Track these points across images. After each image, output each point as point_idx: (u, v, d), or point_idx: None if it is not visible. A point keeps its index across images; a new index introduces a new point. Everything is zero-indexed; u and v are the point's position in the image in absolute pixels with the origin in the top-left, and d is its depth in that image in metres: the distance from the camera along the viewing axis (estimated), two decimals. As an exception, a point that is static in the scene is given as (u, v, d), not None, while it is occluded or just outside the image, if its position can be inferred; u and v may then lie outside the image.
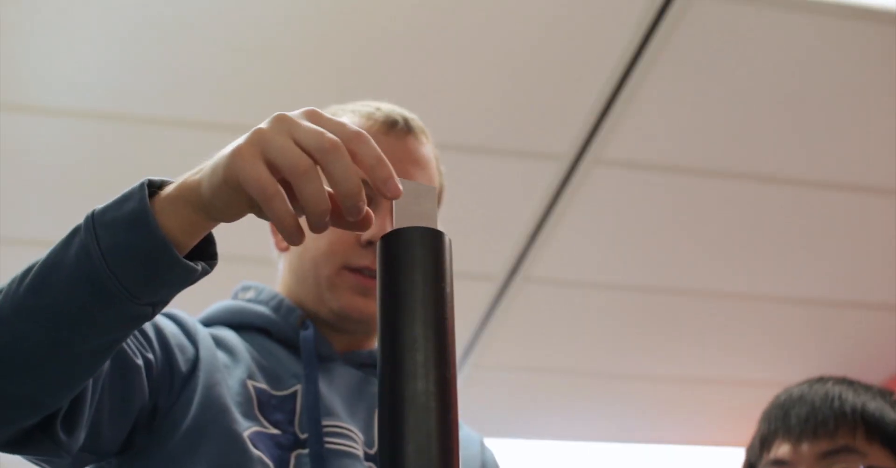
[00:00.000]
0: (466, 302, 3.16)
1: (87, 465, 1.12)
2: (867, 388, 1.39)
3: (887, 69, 2.50)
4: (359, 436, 1.22)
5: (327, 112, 1.32)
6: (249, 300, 1.33)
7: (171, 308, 1.22)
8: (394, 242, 0.61)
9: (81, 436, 0.99)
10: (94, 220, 0.85)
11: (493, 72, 2.47)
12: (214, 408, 1.14)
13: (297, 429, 1.19)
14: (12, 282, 0.88)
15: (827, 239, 3.05)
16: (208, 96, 2.48)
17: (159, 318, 1.18)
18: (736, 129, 2.66)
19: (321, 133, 0.78)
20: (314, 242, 1.27)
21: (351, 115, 1.32)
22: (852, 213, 2.96)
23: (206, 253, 0.89)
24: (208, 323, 1.32)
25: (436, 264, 0.60)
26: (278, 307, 1.30)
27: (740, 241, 3.06)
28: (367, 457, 1.21)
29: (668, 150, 2.72)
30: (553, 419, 3.88)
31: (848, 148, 2.73)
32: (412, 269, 0.60)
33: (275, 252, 1.37)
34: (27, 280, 0.87)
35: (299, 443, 1.18)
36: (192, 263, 0.85)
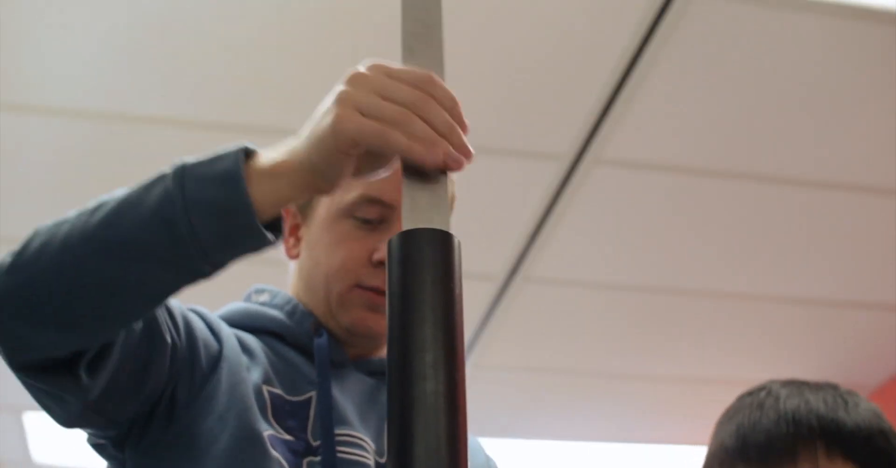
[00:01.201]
0: (466, 302, 3.13)
1: (88, 428, 1.13)
2: (818, 390, 1.36)
3: (887, 69, 2.50)
4: (370, 445, 1.23)
5: None
6: (263, 303, 1.33)
7: (194, 305, 1.24)
8: (403, 243, 0.61)
9: (100, 384, 1.01)
10: (183, 170, 0.89)
11: (494, 72, 2.47)
12: (239, 405, 1.15)
13: (309, 436, 1.20)
14: (80, 214, 0.92)
15: (827, 239, 3.05)
16: (207, 96, 2.48)
17: (188, 312, 1.20)
18: (736, 129, 2.66)
19: (406, 88, 0.84)
20: (327, 258, 1.28)
21: None
22: (852, 213, 2.96)
23: (273, 227, 0.91)
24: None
25: (445, 265, 0.60)
26: (293, 312, 1.30)
27: (740, 241, 3.06)
28: (378, 466, 1.21)
29: (668, 150, 2.72)
30: (553, 419, 3.88)
31: (848, 148, 2.73)
32: (422, 270, 0.60)
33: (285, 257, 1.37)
34: (100, 213, 0.90)
35: (311, 451, 1.18)
36: (267, 233, 0.87)
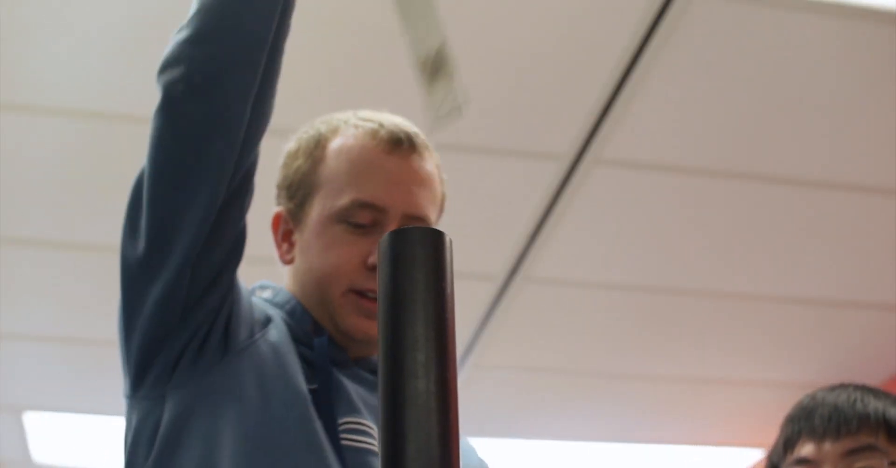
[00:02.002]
0: (466, 302, 3.16)
1: (184, 290, 1.17)
2: (887, 395, 1.41)
3: (887, 69, 2.50)
4: (374, 428, 1.25)
5: (332, 121, 1.35)
6: (266, 300, 1.35)
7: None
8: (394, 242, 0.61)
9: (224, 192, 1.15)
10: None
11: (494, 72, 2.47)
12: (284, 371, 1.20)
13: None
14: None
15: (827, 239, 3.05)
16: (208, 96, 2.48)
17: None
18: (736, 129, 2.66)
19: None
20: (320, 263, 1.29)
21: (354, 130, 1.33)
22: (852, 212, 2.96)
23: None
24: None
25: (437, 264, 0.60)
26: (293, 312, 1.32)
27: (741, 241, 3.06)
28: None
29: (668, 150, 2.72)
30: (553, 419, 3.88)
31: (848, 148, 2.73)
32: (413, 269, 0.60)
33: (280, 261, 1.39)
34: None
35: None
36: None
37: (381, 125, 1.33)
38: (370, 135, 1.32)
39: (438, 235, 0.60)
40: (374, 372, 1.33)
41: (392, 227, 1.28)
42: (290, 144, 1.39)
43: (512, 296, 3.21)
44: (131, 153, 2.63)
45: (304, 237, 1.32)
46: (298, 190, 1.33)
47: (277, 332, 1.24)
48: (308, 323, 1.30)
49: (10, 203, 2.70)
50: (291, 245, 1.35)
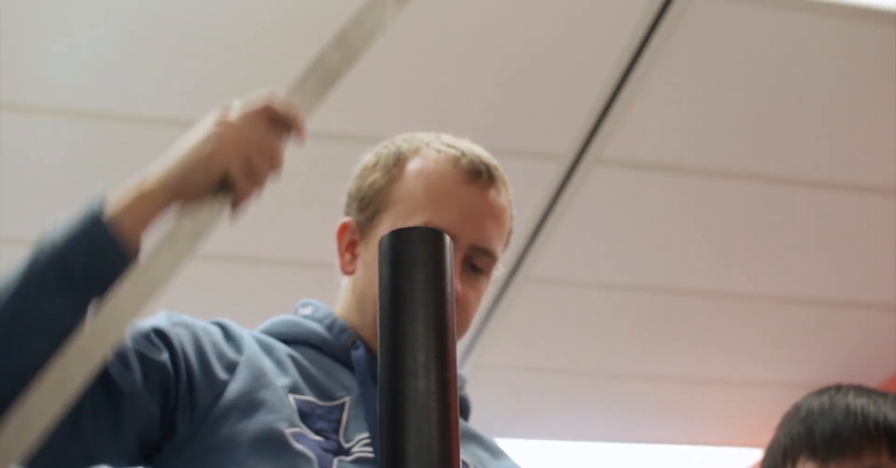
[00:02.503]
0: (466, 302, 3.16)
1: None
2: (884, 396, 1.40)
3: (887, 69, 2.50)
4: None
5: (414, 140, 1.37)
6: (306, 316, 1.36)
7: (220, 318, 1.29)
8: (395, 242, 0.61)
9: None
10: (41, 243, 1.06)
11: (493, 72, 2.47)
12: (257, 405, 1.18)
13: (341, 438, 1.21)
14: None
15: (827, 239, 3.05)
16: (207, 96, 2.48)
17: (187, 334, 1.23)
18: (736, 129, 2.66)
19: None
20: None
21: (436, 154, 1.34)
22: (852, 213, 2.96)
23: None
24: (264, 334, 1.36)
25: (437, 264, 0.61)
26: (331, 326, 1.33)
27: (741, 241, 3.06)
28: None
29: (668, 150, 2.72)
30: (553, 419, 3.88)
31: (848, 148, 2.73)
32: (413, 269, 0.60)
33: (338, 273, 1.39)
34: None
35: (342, 451, 1.20)
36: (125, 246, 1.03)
37: (464, 154, 1.34)
38: (452, 162, 1.33)
39: (438, 235, 0.60)
40: None
41: (459, 256, 1.29)
42: (369, 157, 1.39)
43: (512, 296, 3.21)
44: (131, 153, 2.64)
45: (370, 251, 1.32)
46: (371, 204, 1.33)
47: (253, 368, 1.22)
48: (347, 337, 1.31)
49: (10, 203, 2.69)
50: (354, 256, 1.35)
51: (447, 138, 1.38)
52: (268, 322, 1.37)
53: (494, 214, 1.33)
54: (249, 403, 1.18)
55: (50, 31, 2.29)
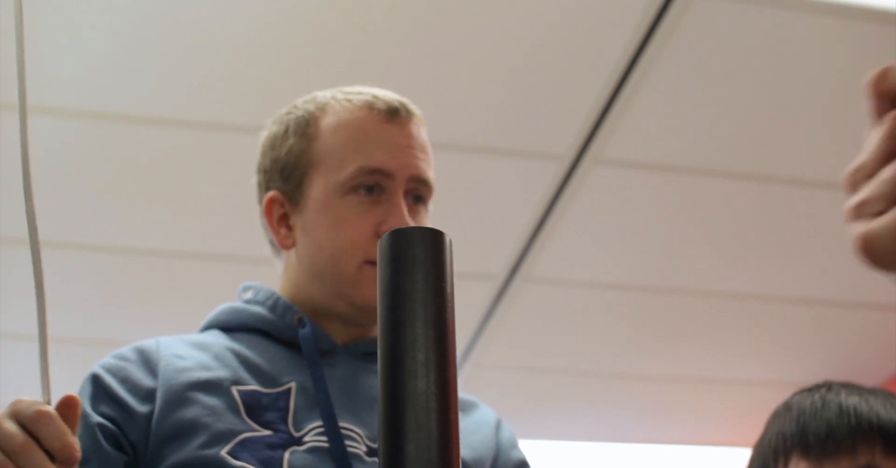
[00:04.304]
0: (466, 302, 3.16)
1: None
2: (874, 393, 1.39)
3: (887, 69, 2.49)
4: (359, 432, 1.22)
5: (318, 99, 1.32)
6: (248, 301, 1.33)
7: (136, 343, 1.26)
8: (394, 242, 0.61)
9: None
10: None
11: (493, 72, 2.47)
12: (188, 430, 1.16)
13: (290, 428, 1.19)
14: None
15: (828, 239, 3.05)
16: (208, 96, 2.48)
17: (113, 367, 1.22)
18: (736, 129, 2.66)
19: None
20: (330, 239, 1.27)
21: (348, 104, 1.32)
22: (852, 212, 2.96)
23: None
24: (207, 327, 1.34)
25: (436, 264, 0.61)
26: (274, 306, 1.30)
27: (740, 241, 3.06)
28: (372, 452, 1.21)
29: (668, 150, 2.72)
30: (553, 419, 3.88)
31: (848, 148, 2.73)
32: (413, 269, 0.60)
33: (272, 250, 1.36)
34: None
35: (294, 441, 1.18)
36: None
37: (375, 96, 1.33)
38: (367, 106, 1.32)
39: (438, 235, 0.60)
40: (367, 354, 1.30)
41: (399, 191, 1.28)
42: (273, 128, 1.37)
43: (512, 296, 3.21)
44: (132, 153, 2.64)
45: (306, 217, 1.30)
46: (295, 169, 1.31)
47: (171, 391, 1.20)
48: (292, 315, 1.29)
49: (10, 203, 2.69)
50: (290, 228, 1.32)
51: (351, 88, 1.36)
52: (212, 313, 1.35)
53: (420, 145, 1.32)
54: (179, 431, 1.16)
55: (50, 31, 2.29)
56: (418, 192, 1.31)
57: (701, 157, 2.75)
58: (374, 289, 1.23)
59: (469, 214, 2.85)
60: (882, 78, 0.59)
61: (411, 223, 1.27)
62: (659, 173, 2.78)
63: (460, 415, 1.31)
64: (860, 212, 0.56)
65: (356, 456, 1.19)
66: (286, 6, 2.30)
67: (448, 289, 0.60)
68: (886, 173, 0.54)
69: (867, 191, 0.55)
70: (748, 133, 2.67)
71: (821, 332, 3.48)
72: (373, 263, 1.25)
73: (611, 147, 2.68)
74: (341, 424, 1.20)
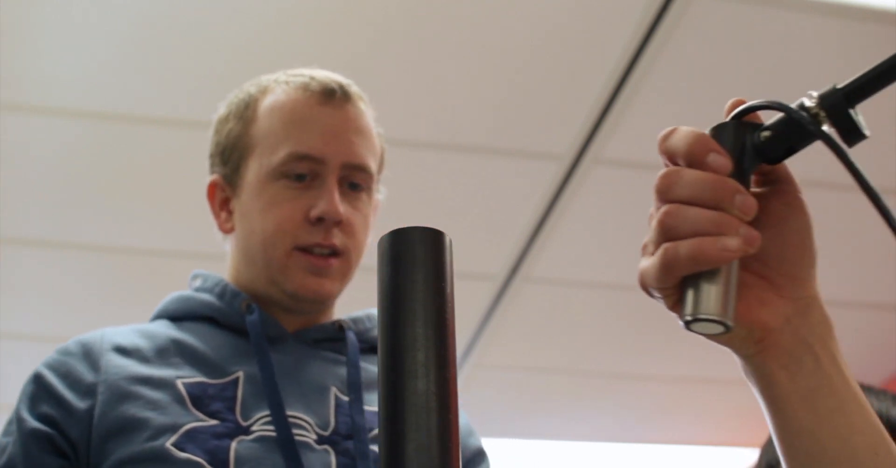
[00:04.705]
0: (466, 302, 3.16)
1: None
2: (884, 394, 1.39)
3: (887, 69, 2.50)
4: (308, 420, 1.19)
5: (261, 81, 1.31)
6: (197, 288, 1.32)
7: (78, 337, 1.25)
8: (394, 242, 0.61)
9: None
10: None
11: (493, 72, 2.47)
12: (132, 424, 1.14)
13: (238, 417, 1.17)
14: None
15: (828, 239, 3.04)
16: (207, 96, 2.47)
17: (55, 363, 1.20)
18: (736, 129, 2.66)
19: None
20: (261, 224, 1.25)
21: (285, 86, 1.30)
22: (852, 213, 2.96)
23: None
24: (156, 316, 1.32)
25: (436, 264, 0.60)
26: (222, 293, 1.28)
27: (740, 241, 3.05)
28: (322, 440, 1.18)
29: (668, 150, 2.72)
30: (553, 419, 3.88)
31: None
32: (413, 269, 0.60)
33: (219, 234, 1.35)
34: None
35: (241, 430, 1.16)
36: None
37: (313, 78, 1.30)
38: (302, 88, 1.28)
39: (438, 235, 0.60)
40: (317, 341, 1.28)
41: (332, 178, 1.24)
42: (220, 111, 1.36)
43: (512, 296, 3.21)
44: (131, 153, 2.64)
45: (243, 201, 1.28)
46: (232, 153, 1.30)
47: (112, 386, 1.18)
48: (240, 301, 1.26)
49: (10, 203, 2.70)
50: (230, 213, 1.31)
51: (294, 70, 1.33)
52: (161, 302, 1.33)
53: (357, 129, 1.28)
54: (123, 426, 1.14)
55: (50, 31, 2.29)
56: (353, 179, 1.27)
57: (701, 157, 2.75)
58: (305, 276, 1.23)
59: (469, 214, 2.85)
60: (664, 138, 0.75)
61: (342, 209, 1.23)
62: (659, 173, 2.78)
63: None
64: (643, 252, 0.72)
65: (305, 444, 1.16)
66: (286, 6, 2.30)
67: (448, 289, 0.60)
68: (652, 224, 0.73)
69: (647, 236, 0.73)
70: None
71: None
72: (303, 250, 1.23)
73: (611, 147, 2.68)
74: (290, 413, 1.18)
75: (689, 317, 0.68)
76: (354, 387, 1.23)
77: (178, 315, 1.30)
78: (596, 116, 2.60)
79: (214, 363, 1.22)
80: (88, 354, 1.21)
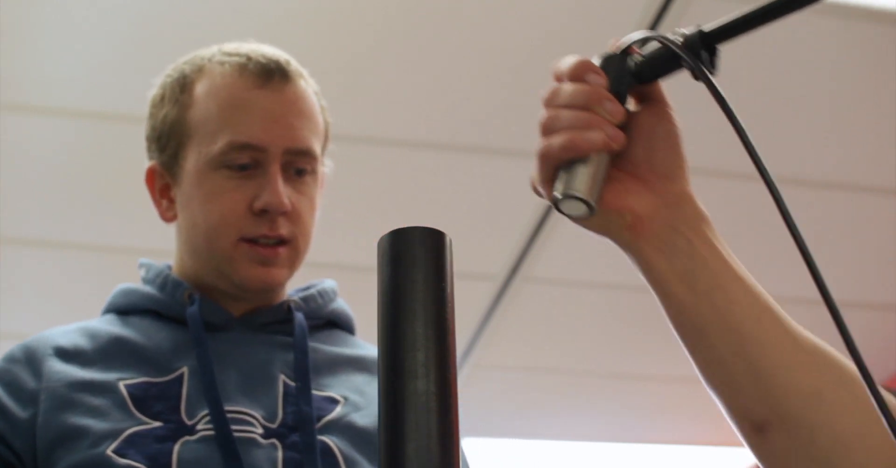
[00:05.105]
0: (466, 302, 3.16)
1: None
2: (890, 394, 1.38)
3: (887, 69, 2.50)
4: (255, 415, 1.16)
5: (196, 60, 1.26)
6: (142, 279, 1.29)
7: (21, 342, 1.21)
8: (394, 242, 0.61)
9: None
10: None
11: (493, 72, 2.47)
12: (73, 432, 1.12)
13: (183, 416, 1.14)
14: None
15: (827, 239, 3.05)
16: (208, 96, 2.48)
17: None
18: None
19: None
20: (204, 215, 1.22)
21: (220, 68, 1.24)
22: (852, 213, 2.96)
23: None
24: (105, 311, 1.29)
25: (436, 264, 0.60)
26: (164, 285, 1.25)
27: (740, 241, 3.04)
28: (269, 433, 1.15)
29: (668, 150, 2.72)
30: (553, 419, 3.88)
31: (848, 148, 2.73)
32: (413, 269, 0.60)
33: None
34: None
35: (185, 430, 1.13)
36: None
37: (249, 58, 1.23)
38: (238, 70, 1.23)
39: (438, 235, 0.60)
40: (264, 326, 1.24)
41: (275, 166, 1.20)
42: (155, 91, 1.31)
43: (512, 296, 3.21)
44: (131, 153, 2.63)
45: (184, 190, 1.24)
46: (170, 140, 1.25)
47: (54, 394, 1.15)
48: (182, 292, 1.23)
49: (10, 203, 2.69)
50: (171, 201, 1.27)
51: (230, 46, 1.27)
52: (111, 294, 1.30)
53: (299, 111, 1.23)
54: (65, 434, 1.11)
55: (50, 31, 2.29)
56: (297, 164, 1.22)
57: (700, 156, 2.73)
58: (251, 267, 1.20)
59: (469, 214, 2.85)
60: (555, 65, 0.87)
61: (286, 198, 1.20)
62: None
63: (370, 377, 1.24)
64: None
65: (249, 440, 1.13)
66: (286, 6, 2.30)
67: (448, 289, 0.60)
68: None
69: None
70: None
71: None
72: (249, 241, 1.20)
73: (611, 147, 2.68)
74: (233, 408, 1.15)
75: (558, 195, 0.82)
76: (301, 373, 1.19)
77: (123, 308, 1.27)
78: (596, 116, 2.59)
79: (158, 360, 1.18)
80: (31, 360, 1.17)
